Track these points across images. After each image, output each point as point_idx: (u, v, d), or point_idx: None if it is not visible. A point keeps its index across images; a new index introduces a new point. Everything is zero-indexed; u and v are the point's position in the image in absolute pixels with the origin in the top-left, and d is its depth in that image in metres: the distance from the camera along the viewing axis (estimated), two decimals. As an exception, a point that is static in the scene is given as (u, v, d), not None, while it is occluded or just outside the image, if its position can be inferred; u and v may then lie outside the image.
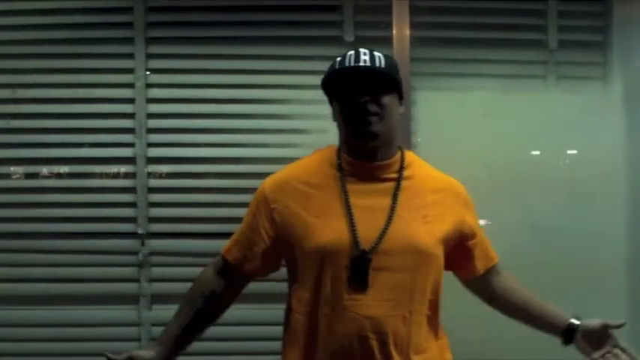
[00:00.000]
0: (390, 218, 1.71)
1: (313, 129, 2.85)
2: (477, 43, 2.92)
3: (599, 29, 2.99)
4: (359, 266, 1.67)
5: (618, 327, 1.81)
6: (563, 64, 2.96)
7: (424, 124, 2.87)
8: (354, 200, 1.73)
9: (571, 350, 1.85)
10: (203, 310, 1.84)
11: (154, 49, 2.87)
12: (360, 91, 1.69)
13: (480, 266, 1.89)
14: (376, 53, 1.75)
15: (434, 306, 1.78)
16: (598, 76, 3.00)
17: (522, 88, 2.93)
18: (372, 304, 1.67)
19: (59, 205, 2.85)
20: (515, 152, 2.88)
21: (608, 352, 1.78)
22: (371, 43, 2.75)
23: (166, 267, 2.86)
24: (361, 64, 1.70)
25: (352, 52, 1.75)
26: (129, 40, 2.86)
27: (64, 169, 2.88)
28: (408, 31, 2.79)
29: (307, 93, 2.83)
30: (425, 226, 1.73)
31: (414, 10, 2.81)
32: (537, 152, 2.93)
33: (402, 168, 1.79)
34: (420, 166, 1.85)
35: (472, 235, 1.85)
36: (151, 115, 2.86)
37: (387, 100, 1.71)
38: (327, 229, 1.70)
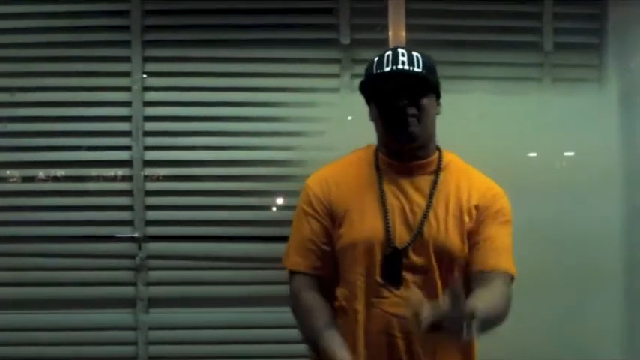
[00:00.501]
0: (424, 218, 1.73)
1: (310, 131, 2.84)
2: (472, 46, 2.93)
3: (594, 32, 3.00)
4: (392, 263, 1.70)
5: None
6: (559, 66, 2.97)
7: None
8: (390, 199, 1.75)
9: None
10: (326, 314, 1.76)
11: (151, 52, 2.87)
12: (399, 94, 1.69)
13: (474, 265, 1.79)
14: (414, 54, 1.74)
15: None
16: (593, 79, 3.01)
17: (518, 90, 2.93)
18: (400, 303, 1.68)
19: (56, 209, 2.85)
20: (511, 154, 2.84)
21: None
22: (367, 46, 2.86)
23: (163, 270, 2.85)
24: (399, 66, 1.70)
25: (390, 52, 1.74)
26: (126, 44, 2.86)
27: (61, 172, 2.89)
28: (404, 34, 2.80)
29: (304, 96, 2.84)
30: (454, 227, 1.75)
31: (409, 13, 2.82)
32: (533, 154, 2.94)
33: (439, 168, 1.80)
34: (458, 167, 1.85)
35: (482, 235, 1.78)
36: (148, 119, 2.86)
37: (425, 102, 1.72)
38: (363, 227, 1.73)
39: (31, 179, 2.89)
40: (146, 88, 2.86)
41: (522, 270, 2.66)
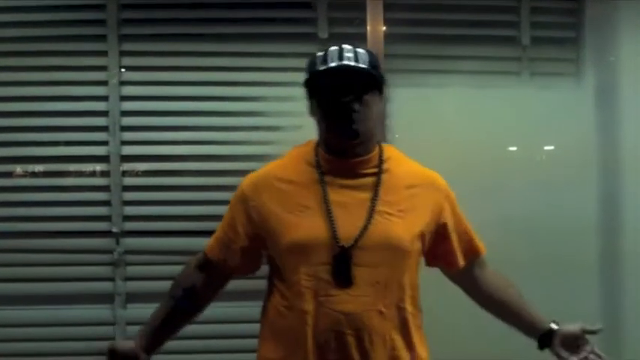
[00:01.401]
0: (370, 214, 1.71)
1: (289, 126, 2.84)
2: (450, 40, 2.94)
3: (571, 26, 3.02)
4: (341, 262, 1.68)
5: (596, 332, 1.84)
6: (537, 60, 2.98)
7: (400, 120, 2.86)
8: (332, 197, 1.73)
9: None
10: (183, 304, 1.86)
11: (128, 46, 2.85)
12: (345, 90, 1.68)
13: (462, 259, 1.88)
14: (359, 50, 1.74)
15: (414, 302, 1.79)
16: (571, 73, 3.03)
17: (496, 84, 2.94)
18: (348, 300, 1.68)
19: (33, 204, 2.83)
20: (489, 148, 2.89)
21: (585, 358, 1.82)
22: (345, 40, 2.75)
23: (141, 265, 2.85)
24: (345, 62, 1.69)
25: (335, 48, 1.73)
26: (102, 38, 2.84)
27: (38, 167, 2.86)
28: (382, 28, 2.79)
29: (282, 90, 2.83)
30: (402, 220, 1.74)
31: (387, 7, 2.81)
32: (512, 148, 2.96)
33: (380, 163, 1.79)
34: (399, 161, 1.85)
35: (452, 228, 1.85)
36: (125, 113, 2.84)
37: (369, 98, 1.71)
38: (304, 226, 1.72)
39: (8, 174, 2.85)
40: (123, 83, 2.84)
41: (498, 262, 2.72)
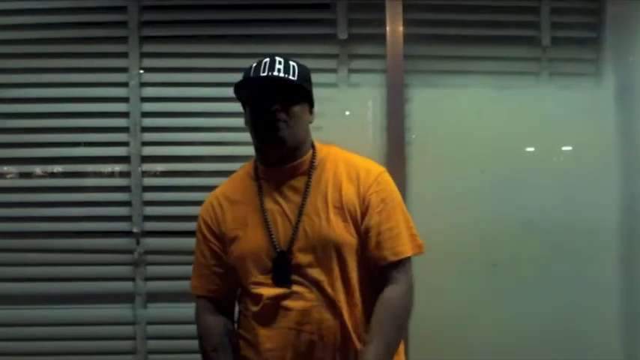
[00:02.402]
0: (299, 217, 1.82)
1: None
2: (470, 40, 2.92)
3: (592, 26, 2.98)
4: (279, 266, 1.81)
5: None
6: (556, 60, 2.96)
7: (418, 121, 2.86)
8: (269, 205, 1.85)
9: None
10: (233, 346, 1.93)
11: (148, 47, 2.87)
12: (271, 99, 1.78)
13: (372, 256, 1.84)
14: (291, 63, 1.84)
15: (365, 296, 1.83)
16: (591, 73, 2.99)
17: (516, 85, 2.92)
18: (296, 299, 1.79)
19: (53, 205, 2.84)
20: (508, 149, 2.88)
21: None
22: (364, 41, 2.87)
23: (161, 265, 2.85)
24: (275, 72, 1.79)
25: (267, 59, 1.83)
26: (123, 39, 2.85)
27: (58, 168, 2.87)
28: (401, 29, 2.78)
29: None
30: (336, 217, 1.81)
31: (407, 8, 2.80)
32: (531, 149, 2.92)
33: (312, 165, 1.87)
34: (336, 158, 1.92)
35: (371, 221, 1.83)
36: (146, 114, 2.85)
37: (296, 109, 1.82)
38: (248, 239, 1.85)
39: (29, 175, 2.87)
40: (143, 84, 2.85)
41: (518, 264, 2.79)
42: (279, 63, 1.81)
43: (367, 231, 1.83)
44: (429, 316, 2.64)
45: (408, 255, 1.84)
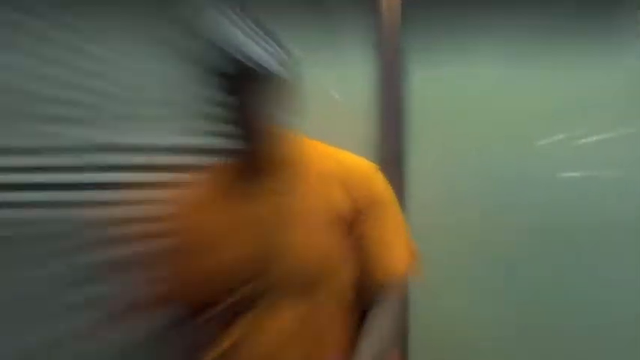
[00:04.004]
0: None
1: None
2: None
3: None
4: None
5: None
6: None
7: (417, 104, 2.61)
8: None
9: None
10: None
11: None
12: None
13: (360, 271, 1.69)
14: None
15: (352, 304, 1.68)
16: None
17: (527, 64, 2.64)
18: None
19: None
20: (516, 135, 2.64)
21: None
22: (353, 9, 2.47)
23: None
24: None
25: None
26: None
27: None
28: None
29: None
30: (323, 226, 1.64)
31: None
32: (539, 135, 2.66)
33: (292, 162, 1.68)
34: (320, 156, 1.73)
35: (361, 233, 1.68)
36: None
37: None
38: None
39: None
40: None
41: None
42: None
43: (356, 239, 1.66)
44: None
45: (400, 273, 1.70)
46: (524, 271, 2.65)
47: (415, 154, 2.59)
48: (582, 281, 2.65)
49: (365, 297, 1.69)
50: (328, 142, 1.82)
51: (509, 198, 2.63)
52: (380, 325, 1.65)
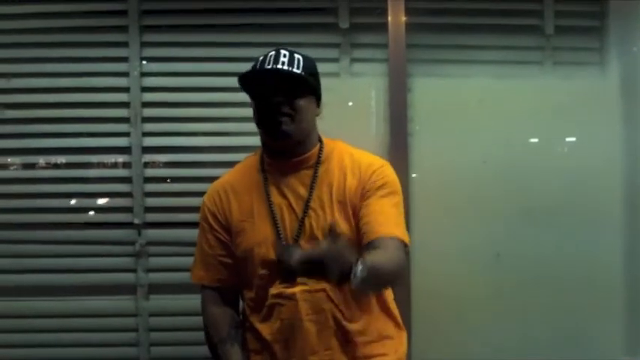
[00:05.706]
0: (305, 211, 1.82)
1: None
2: (472, 29, 2.89)
3: (596, 14, 2.95)
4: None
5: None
6: (560, 49, 2.93)
7: (420, 111, 2.84)
8: (276, 199, 1.85)
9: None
10: (229, 338, 1.92)
11: (149, 37, 2.84)
12: (275, 92, 1.78)
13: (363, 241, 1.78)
14: (297, 55, 1.84)
15: None
16: (595, 62, 2.97)
17: (519, 74, 2.90)
18: (301, 291, 1.80)
19: (54, 196, 2.83)
20: (511, 139, 2.85)
21: None
22: (366, 30, 2.84)
23: (163, 257, 2.84)
24: (279, 65, 1.78)
25: (273, 52, 1.83)
26: (123, 29, 2.82)
27: (60, 159, 2.85)
28: (403, 18, 2.76)
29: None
30: (341, 212, 1.82)
31: (409, -3, 2.77)
32: (534, 139, 2.90)
33: (319, 159, 1.87)
34: (342, 153, 1.92)
35: (368, 210, 1.81)
36: (146, 104, 2.83)
37: (301, 102, 1.80)
38: (255, 232, 1.85)
39: (31, 166, 2.86)
40: (144, 74, 2.83)
41: (520, 256, 2.80)
42: (284, 56, 1.81)
43: (363, 214, 1.82)
44: (431, 305, 2.70)
45: (401, 237, 1.77)
46: (513, 246, 2.80)
47: (418, 152, 2.79)
48: (562, 252, 2.79)
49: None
50: (347, 141, 2.00)
51: (504, 188, 2.81)
52: (381, 253, 1.66)
